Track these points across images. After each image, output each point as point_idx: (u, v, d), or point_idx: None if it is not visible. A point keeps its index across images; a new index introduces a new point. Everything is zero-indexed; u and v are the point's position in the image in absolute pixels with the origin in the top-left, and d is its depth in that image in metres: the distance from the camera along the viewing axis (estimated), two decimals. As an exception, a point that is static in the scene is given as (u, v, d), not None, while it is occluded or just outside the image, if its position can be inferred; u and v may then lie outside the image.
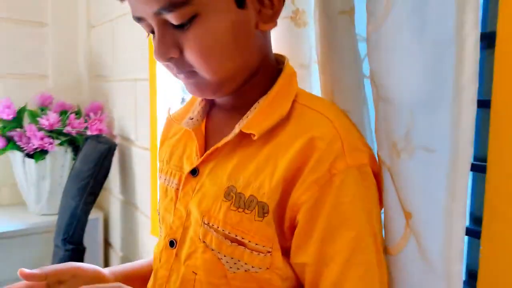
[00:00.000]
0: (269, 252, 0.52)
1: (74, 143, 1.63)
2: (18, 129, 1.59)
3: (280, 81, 0.57)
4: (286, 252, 0.53)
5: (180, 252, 0.58)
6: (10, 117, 1.59)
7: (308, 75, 0.69)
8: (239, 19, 0.52)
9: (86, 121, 1.63)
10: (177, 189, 0.61)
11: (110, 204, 1.76)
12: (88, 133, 1.60)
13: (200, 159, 0.58)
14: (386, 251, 0.55)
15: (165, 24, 0.51)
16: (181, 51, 0.52)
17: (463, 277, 0.50)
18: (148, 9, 0.50)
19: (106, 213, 1.79)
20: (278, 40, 0.69)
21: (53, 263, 1.56)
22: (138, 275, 0.71)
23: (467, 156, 0.46)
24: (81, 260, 1.51)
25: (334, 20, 0.62)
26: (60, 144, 1.60)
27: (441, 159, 0.48)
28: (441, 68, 0.47)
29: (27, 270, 0.57)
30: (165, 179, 0.64)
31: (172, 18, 0.50)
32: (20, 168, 1.62)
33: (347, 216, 0.50)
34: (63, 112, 1.66)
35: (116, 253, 1.72)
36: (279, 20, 0.56)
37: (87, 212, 1.52)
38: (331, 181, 0.50)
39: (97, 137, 1.59)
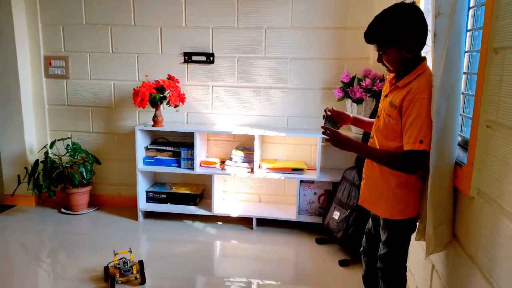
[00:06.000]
0: (397, 120, 1.60)
1: (376, 96, 2.89)
2: (350, 87, 2.99)
3: (416, 69, 1.59)
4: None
5: (380, 118, 1.72)
6: (347, 80, 3.01)
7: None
8: (399, 54, 1.58)
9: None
10: (382, 99, 1.75)
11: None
12: (384, 90, 2.81)
13: (388, 91, 1.71)
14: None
15: (378, 51, 1.66)
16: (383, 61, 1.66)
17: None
18: (373, 48, 1.66)
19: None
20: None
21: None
22: (366, 122, 1.91)
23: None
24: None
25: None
26: (370, 96, 2.90)
27: None
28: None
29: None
30: (381, 96, 1.80)
31: (379, 52, 1.64)
32: (349, 109, 3.03)
33: (415, 111, 1.52)
34: (374, 79, 2.94)
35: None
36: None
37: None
38: (414, 100, 1.52)
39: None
